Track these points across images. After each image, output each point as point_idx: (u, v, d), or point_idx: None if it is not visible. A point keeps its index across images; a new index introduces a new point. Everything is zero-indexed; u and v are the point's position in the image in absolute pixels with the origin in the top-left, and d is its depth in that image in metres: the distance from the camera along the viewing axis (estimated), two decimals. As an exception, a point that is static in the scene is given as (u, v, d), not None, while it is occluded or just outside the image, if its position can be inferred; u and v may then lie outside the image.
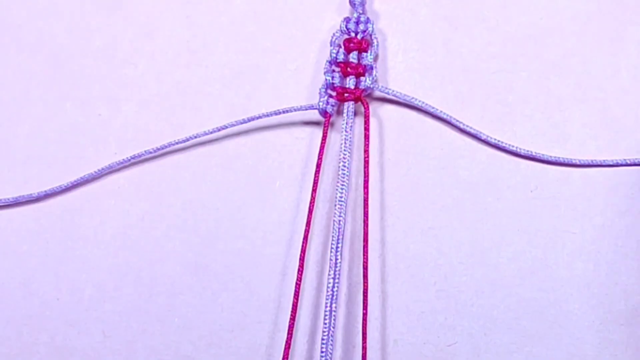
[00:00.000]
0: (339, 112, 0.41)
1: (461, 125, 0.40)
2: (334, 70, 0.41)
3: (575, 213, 0.39)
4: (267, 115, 0.41)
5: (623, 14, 0.42)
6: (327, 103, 0.41)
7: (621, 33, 0.42)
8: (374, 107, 0.41)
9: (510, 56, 0.42)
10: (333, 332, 0.37)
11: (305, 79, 0.42)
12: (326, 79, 0.41)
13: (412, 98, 0.41)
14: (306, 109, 0.41)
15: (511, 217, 0.39)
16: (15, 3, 0.44)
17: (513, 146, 0.40)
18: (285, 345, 0.37)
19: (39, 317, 0.39)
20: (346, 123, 0.40)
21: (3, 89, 0.43)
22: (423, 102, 0.41)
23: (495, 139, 0.40)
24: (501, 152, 0.40)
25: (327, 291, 0.37)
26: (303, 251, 0.38)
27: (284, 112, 0.41)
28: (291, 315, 0.37)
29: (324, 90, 0.41)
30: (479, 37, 0.42)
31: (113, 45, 0.43)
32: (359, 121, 0.41)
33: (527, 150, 0.40)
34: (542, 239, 0.39)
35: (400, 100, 0.41)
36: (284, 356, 0.37)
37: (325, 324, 0.37)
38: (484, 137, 0.40)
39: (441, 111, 0.41)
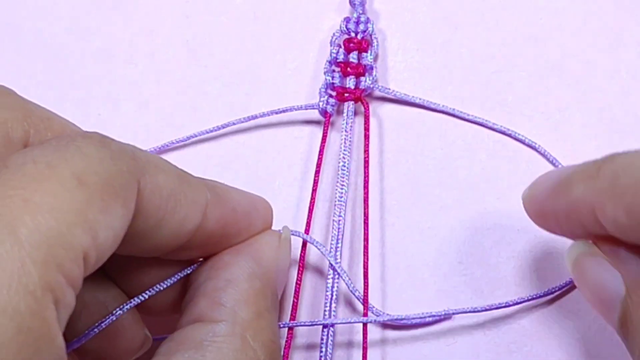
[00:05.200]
0: (339, 112, 0.41)
1: (465, 116, 0.40)
2: (334, 70, 0.41)
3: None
4: (267, 115, 0.41)
5: (622, 15, 0.42)
6: (327, 103, 0.41)
7: (621, 33, 0.42)
8: (373, 106, 0.41)
9: (509, 56, 0.42)
10: (333, 332, 0.37)
11: (305, 79, 0.42)
12: (326, 79, 0.41)
13: (413, 97, 0.41)
14: (306, 109, 0.41)
15: (511, 217, 0.39)
16: (15, 3, 0.44)
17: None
18: (285, 345, 0.37)
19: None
20: (346, 123, 0.40)
21: (3, 88, 0.43)
22: (422, 99, 0.41)
23: (501, 126, 0.40)
24: (501, 151, 0.40)
25: (327, 291, 0.37)
26: (303, 250, 0.38)
27: (284, 111, 0.41)
28: (291, 315, 0.37)
29: (324, 90, 0.41)
30: (478, 37, 0.42)
31: (113, 45, 0.43)
32: (359, 121, 0.41)
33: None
34: (541, 239, 0.39)
35: (400, 100, 0.41)
36: (283, 356, 0.37)
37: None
38: (489, 125, 0.40)
39: (443, 105, 0.41)
